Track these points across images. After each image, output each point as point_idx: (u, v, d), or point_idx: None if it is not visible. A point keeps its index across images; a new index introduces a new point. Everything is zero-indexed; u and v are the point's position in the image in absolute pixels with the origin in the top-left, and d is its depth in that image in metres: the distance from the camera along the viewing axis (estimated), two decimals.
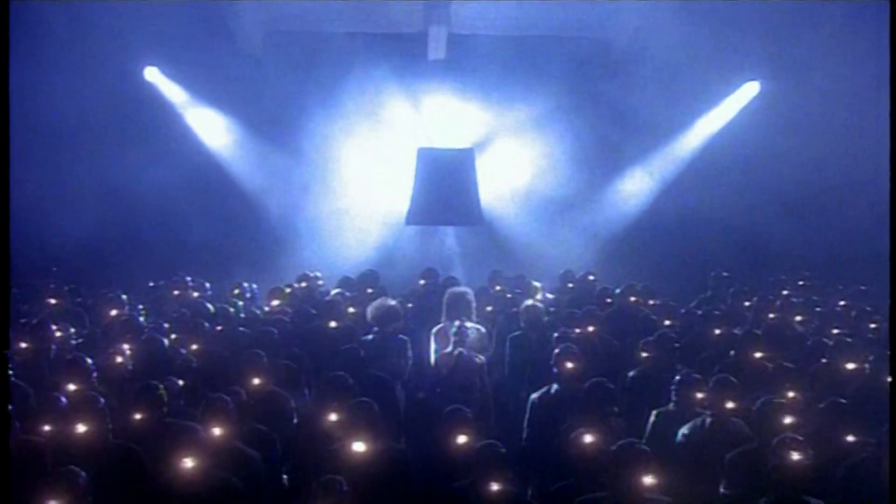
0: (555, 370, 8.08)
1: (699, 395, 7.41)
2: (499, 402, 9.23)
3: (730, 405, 7.10)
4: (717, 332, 9.54)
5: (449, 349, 8.92)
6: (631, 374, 8.57)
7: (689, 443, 7.10)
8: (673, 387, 7.59)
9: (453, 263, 14.96)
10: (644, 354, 8.75)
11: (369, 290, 11.54)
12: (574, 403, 7.42)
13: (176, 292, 11.68)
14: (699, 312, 10.60)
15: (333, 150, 15.29)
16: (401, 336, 9.56)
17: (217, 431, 6.41)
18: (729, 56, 14.39)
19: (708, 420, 7.20)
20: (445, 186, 15.07)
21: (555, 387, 8.04)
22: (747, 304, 11.46)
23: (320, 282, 12.65)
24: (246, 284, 11.81)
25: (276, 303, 11.03)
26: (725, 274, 12.54)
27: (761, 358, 8.61)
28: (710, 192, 14.79)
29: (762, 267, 13.70)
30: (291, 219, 15.24)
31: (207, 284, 12.10)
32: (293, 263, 14.09)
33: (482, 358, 9.21)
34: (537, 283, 11.72)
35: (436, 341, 9.62)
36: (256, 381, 7.65)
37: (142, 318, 10.56)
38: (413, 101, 15.19)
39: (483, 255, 14.89)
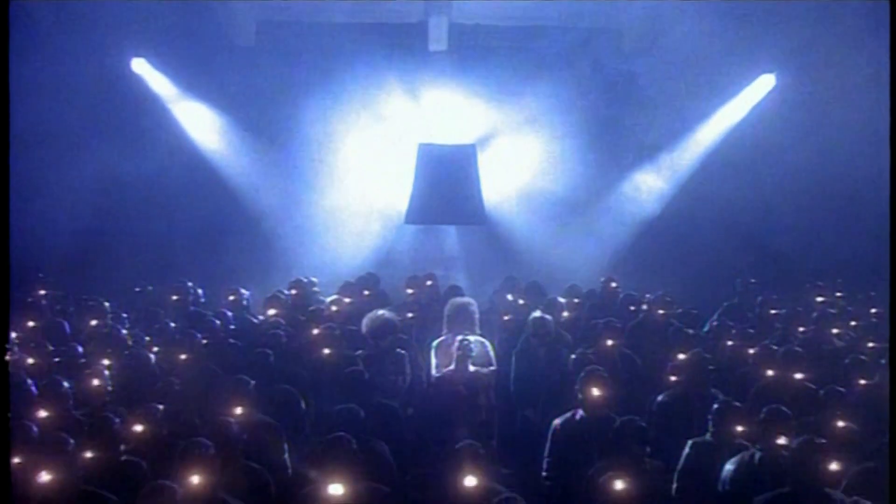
0: (579, 395, 7.46)
1: (740, 428, 6.84)
2: (502, 420, 8.85)
3: (782, 441, 6.43)
4: (751, 350, 8.94)
5: (452, 366, 8.52)
6: (660, 398, 7.91)
7: (735, 480, 6.42)
8: (710, 416, 6.96)
9: (455, 266, 14.55)
10: (673, 378, 8.15)
11: (366, 293, 11.07)
12: (601, 436, 6.84)
13: (175, 297, 10.95)
14: (731, 326, 9.93)
15: (329, 145, 14.80)
16: (398, 350, 9.09)
17: (196, 481, 5.70)
18: (743, 47, 13.91)
19: (757, 455, 6.54)
20: (446, 184, 14.60)
21: (580, 413, 7.46)
22: (773, 311, 10.84)
23: (316, 288, 12.06)
24: (244, 291, 11.10)
25: (272, 312, 10.31)
26: (753, 281, 11.95)
27: (803, 379, 7.95)
28: (727, 190, 14.20)
29: (785, 272, 13.14)
30: (285, 218, 14.71)
31: (200, 291, 11.43)
32: (286, 264, 13.69)
33: (489, 369, 8.87)
34: (562, 299, 11.05)
35: (436, 356, 9.12)
36: (242, 410, 7.04)
37: (125, 330, 9.90)
38: (413, 95, 14.68)
39: (486, 257, 14.46)
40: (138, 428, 6.77)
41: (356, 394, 7.54)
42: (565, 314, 10.45)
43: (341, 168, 14.84)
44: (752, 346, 9.09)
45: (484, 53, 14.56)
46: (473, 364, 8.60)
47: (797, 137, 13.92)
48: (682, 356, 8.33)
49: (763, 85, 14.95)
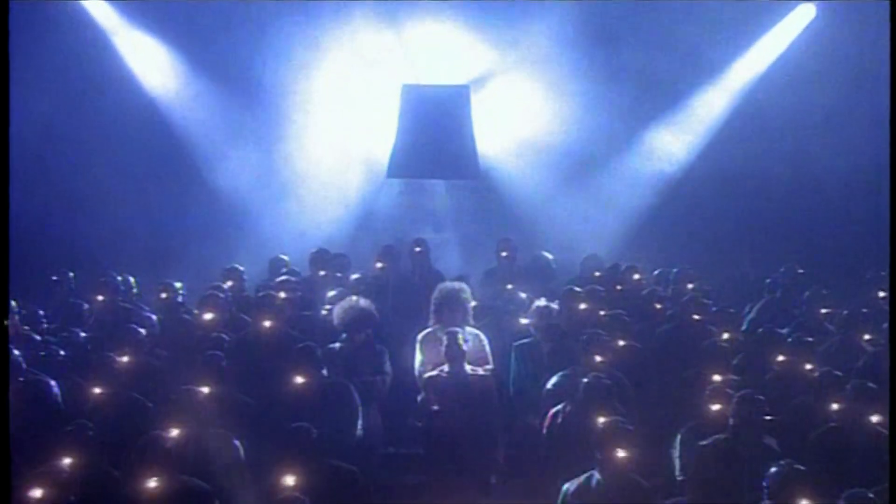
0: (597, 454, 6.31)
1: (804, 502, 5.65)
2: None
3: None
4: (810, 369, 7.49)
5: (445, 368, 7.80)
6: (703, 443, 6.57)
7: None
8: (766, 484, 5.81)
9: (444, 226, 13.46)
10: (715, 407, 6.88)
11: (321, 273, 10.08)
12: None
13: (100, 298, 9.41)
14: (780, 334, 8.39)
15: (301, 88, 13.46)
16: (377, 345, 8.43)
17: None
18: None
19: None
20: (435, 131, 13.44)
21: (595, 478, 6.33)
22: (825, 311, 9.30)
23: (285, 269, 10.59)
24: (177, 285, 9.70)
25: (209, 317, 8.75)
26: (801, 271, 10.45)
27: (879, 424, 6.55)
28: (763, 148, 12.84)
29: (836, 260, 11.69)
30: (248, 178, 13.33)
31: (132, 280, 9.94)
32: (254, 229, 12.71)
33: (487, 368, 8.16)
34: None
35: (422, 351, 8.44)
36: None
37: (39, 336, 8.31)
38: (397, 29, 13.47)
39: (481, 217, 13.42)
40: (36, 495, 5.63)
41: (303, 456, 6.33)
42: (582, 306, 8.99)
43: (315, 114, 13.56)
44: (808, 361, 7.65)
45: None
46: (468, 363, 7.89)
47: (845, 79, 12.69)
48: (717, 378, 7.36)
49: (802, 15, 13.57)
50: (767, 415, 6.62)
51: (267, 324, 8.22)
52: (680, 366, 7.91)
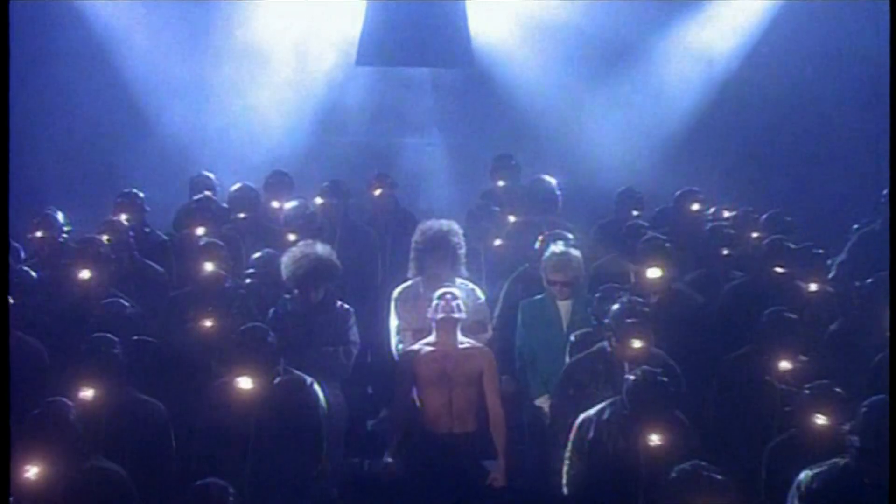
0: None
1: None
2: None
3: None
4: None
5: (432, 339, 6.46)
6: (815, 471, 4.84)
7: None
8: None
9: (427, 129, 11.79)
10: (820, 421, 5.17)
11: (241, 216, 8.38)
12: None
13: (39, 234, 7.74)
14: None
15: None
16: (340, 304, 7.02)
17: None
18: None
19: None
20: (417, 6, 11.74)
21: None
22: None
23: (209, 191, 8.81)
24: (59, 216, 7.92)
25: (85, 276, 6.88)
26: None
27: None
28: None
29: None
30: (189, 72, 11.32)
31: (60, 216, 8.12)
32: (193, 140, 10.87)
33: (485, 336, 6.94)
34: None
35: (398, 314, 7.16)
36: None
37: None
38: None
39: (475, 118, 11.63)
40: None
41: None
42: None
43: None
44: None
45: None
46: (463, 331, 6.54)
47: None
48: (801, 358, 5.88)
49: None
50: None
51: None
52: (756, 342, 6.04)
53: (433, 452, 6.21)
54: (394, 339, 7.01)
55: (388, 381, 6.98)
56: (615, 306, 5.91)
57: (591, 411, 5.47)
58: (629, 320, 5.75)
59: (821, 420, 5.13)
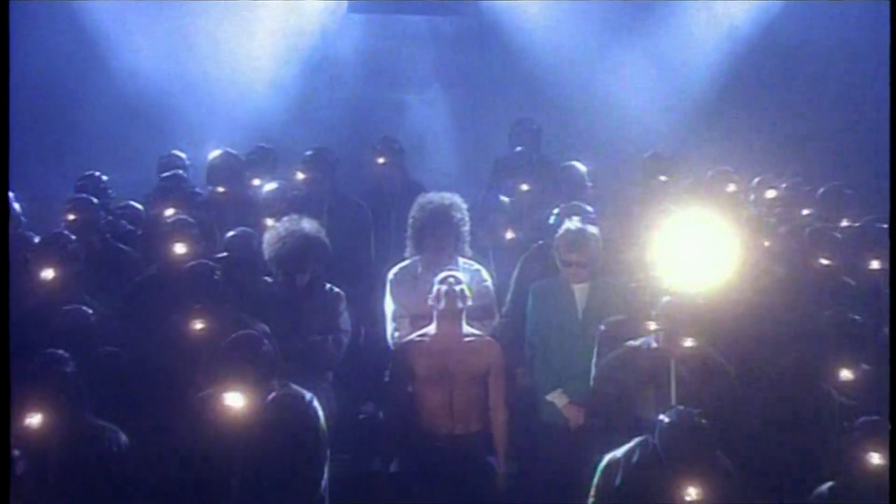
0: None
1: None
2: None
3: None
4: None
5: (432, 328, 5.92)
6: None
7: None
8: None
9: (427, 84, 10.95)
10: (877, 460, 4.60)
11: (220, 190, 7.68)
12: None
13: None
14: None
15: None
16: (329, 288, 6.46)
17: None
18: None
19: None
20: None
21: None
22: None
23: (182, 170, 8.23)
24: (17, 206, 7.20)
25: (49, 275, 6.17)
26: None
27: None
28: None
29: None
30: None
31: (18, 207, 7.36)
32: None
33: (491, 324, 6.38)
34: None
35: (395, 297, 6.56)
36: None
37: None
38: None
39: (481, 72, 10.85)
40: None
41: None
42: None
43: None
44: None
45: None
46: (468, 319, 6.00)
47: None
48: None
49: None
50: None
51: None
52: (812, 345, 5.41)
53: (432, 455, 5.66)
54: (389, 327, 6.39)
55: (381, 371, 6.36)
56: (665, 298, 5.29)
57: (619, 452, 4.78)
58: (681, 316, 5.20)
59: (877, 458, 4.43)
